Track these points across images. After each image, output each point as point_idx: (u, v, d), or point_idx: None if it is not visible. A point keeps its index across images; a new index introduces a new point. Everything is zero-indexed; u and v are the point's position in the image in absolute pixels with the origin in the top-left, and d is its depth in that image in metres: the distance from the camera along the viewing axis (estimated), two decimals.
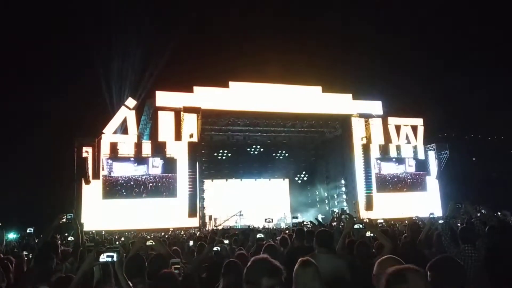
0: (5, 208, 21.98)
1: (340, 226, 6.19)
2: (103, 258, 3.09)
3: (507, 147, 38.86)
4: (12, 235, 19.66)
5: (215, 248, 5.81)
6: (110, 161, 25.10)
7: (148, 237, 4.73)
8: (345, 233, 5.18)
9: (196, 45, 34.14)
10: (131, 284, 3.05)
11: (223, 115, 27.99)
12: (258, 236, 6.20)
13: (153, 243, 4.75)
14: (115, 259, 3.07)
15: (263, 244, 5.39)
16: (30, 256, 5.85)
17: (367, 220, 7.87)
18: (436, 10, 37.01)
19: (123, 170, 25.35)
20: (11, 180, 25.09)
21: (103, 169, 24.98)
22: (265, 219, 15.19)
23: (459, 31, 36.80)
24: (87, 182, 24.70)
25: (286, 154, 33.47)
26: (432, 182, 31.04)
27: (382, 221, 8.78)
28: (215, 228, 24.08)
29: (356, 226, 5.46)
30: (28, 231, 7.72)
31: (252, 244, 5.97)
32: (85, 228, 22.49)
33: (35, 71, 30.37)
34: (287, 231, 10.55)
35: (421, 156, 30.99)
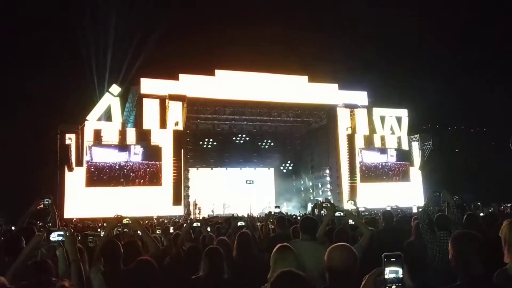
0: None
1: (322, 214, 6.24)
2: (54, 237, 3.05)
3: (490, 139, 39.43)
4: None
5: (195, 224, 5.88)
6: (91, 145, 24.78)
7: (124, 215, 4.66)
8: (326, 221, 5.22)
9: (182, 32, 33.70)
10: (81, 266, 3.01)
11: (209, 103, 27.88)
12: (239, 224, 6.21)
13: (129, 221, 4.67)
14: (63, 238, 3.04)
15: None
16: None
17: (353, 203, 7.95)
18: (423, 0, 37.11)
19: (104, 157, 25.07)
20: None
21: (86, 154, 24.71)
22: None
23: (445, 22, 36.99)
24: (70, 169, 24.40)
25: (272, 144, 33.56)
26: (416, 172, 31.43)
27: (363, 209, 8.85)
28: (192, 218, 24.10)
29: (337, 214, 5.49)
30: None
31: (232, 232, 5.97)
32: (69, 216, 22.38)
33: (16, 55, 29.68)
34: (271, 220, 10.59)
35: (405, 146, 31.32)
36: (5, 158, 25.13)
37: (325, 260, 2.63)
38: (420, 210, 5.43)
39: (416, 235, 5.33)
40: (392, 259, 1.90)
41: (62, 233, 3.09)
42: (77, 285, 3.00)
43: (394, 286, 1.86)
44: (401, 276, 1.87)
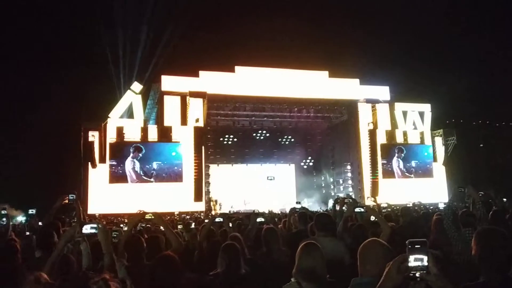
0: (13, 189, 22.22)
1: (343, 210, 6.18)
2: (87, 229, 3.09)
3: None
4: (20, 218, 19.94)
5: (217, 219, 5.92)
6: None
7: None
8: (345, 216, 5.18)
9: (202, 29, 33.89)
10: (115, 257, 3.05)
11: (229, 100, 27.94)
12: (258, 220, 6.19)
13: (152, 217, 4.74)
14: (96, 231, 3.08)
15: (263, 228, 5.41)
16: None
17: (372, 199, 7.87)
18: None
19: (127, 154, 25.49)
20: (20, 162, 25.36)
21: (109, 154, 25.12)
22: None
23: (469, 15, 36.19)
24: (94, 166, 24.83)
25: (292, 139, 33.44)
26: (439, 168, 30.88)
27: (385, 205, 8.74)
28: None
29: (357, 210, 5.44)
30: (30, 212, 7.65)
31: (252, 228, 5.97)
32: (92, 211, 22.79)
33: (41, 56, 30.38)
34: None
35: (428, 142, 30.82)
36: (32, 156, 25.78)
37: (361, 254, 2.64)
38: (444, 206, 5.32)
39: (437, 232, 5.23)
40: (416, 246, 1.83)
41: (95, 225, 3.14)
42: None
43: (419, 274, 1.81)
44: (426, 264, 1.81)
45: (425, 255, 1.81)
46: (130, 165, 25.33)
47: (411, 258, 1.82)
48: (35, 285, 2.35)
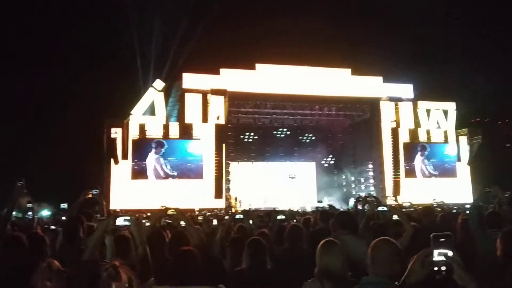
0: (40, 185, 22.70)
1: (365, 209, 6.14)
2: (120, 222, 3.14)
3: None
4: (45, 212, 20.38)
5: (237, 216, 5.97)
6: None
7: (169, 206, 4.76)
8: (368, 215, 5.15)
9: (223, 27, 33.93)
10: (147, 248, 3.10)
11: (250, 97, 27.98)
12: (279, 217, 6.22)
13: (174, 212, 4.80)
14: (129, 223, 3.12)
15: (284, 225, 5.42)
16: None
17: (395, 199, 7.81)
18: None
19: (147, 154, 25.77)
20: (44, 159, 25.88)
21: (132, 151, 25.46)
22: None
23: (496, 8, 35.26)
24: (116, 162, 25.20)
25: (313, 137, 33.27)
26: (463, 168, 30.27)
27: (408, 204, 8.63)
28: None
29: (380, 208, 5.39)
30: (62, 206, 7.89)
31: (273, 225, 5.99)
32: (114, 207, 23.16)
33: (65, 54, 30.90)
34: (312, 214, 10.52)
35: (452, 141, 30.24)
36: (56, 152, 26.29)
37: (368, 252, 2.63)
38: (469, 206, 5.23)
39: (461, 231, 5.12)
40: (441, 240, 1.79)
41: (128, 218, 3.19)
42: (145, 266, 3.10)
43: (444, 268, 1.77)
44: (451, 258, 1.77)
45: (450, 249, 1.77)
46: (156, 161, 25.65)
47: (435, 252, 1.78)
48: (47, 272, 2.40)
